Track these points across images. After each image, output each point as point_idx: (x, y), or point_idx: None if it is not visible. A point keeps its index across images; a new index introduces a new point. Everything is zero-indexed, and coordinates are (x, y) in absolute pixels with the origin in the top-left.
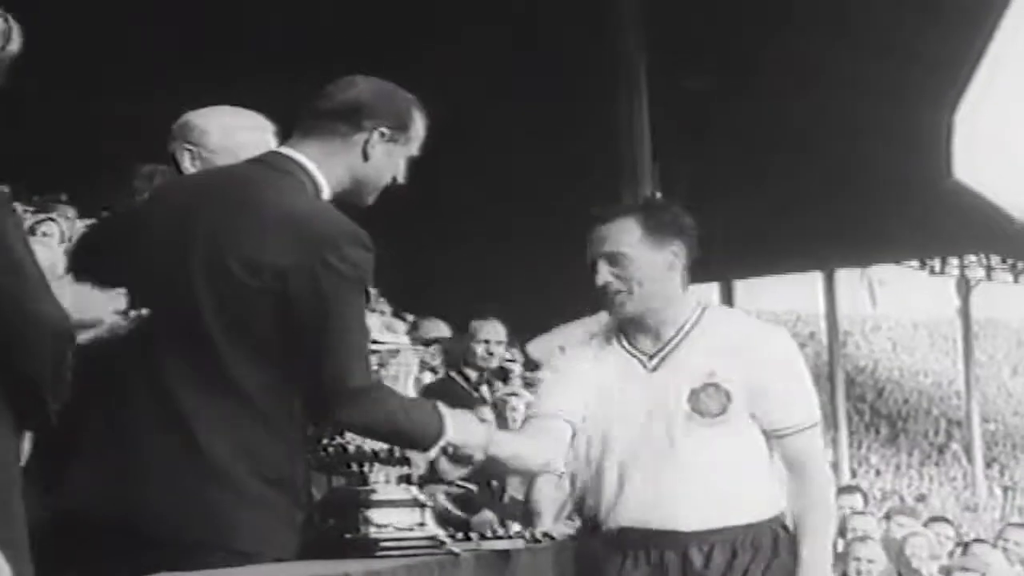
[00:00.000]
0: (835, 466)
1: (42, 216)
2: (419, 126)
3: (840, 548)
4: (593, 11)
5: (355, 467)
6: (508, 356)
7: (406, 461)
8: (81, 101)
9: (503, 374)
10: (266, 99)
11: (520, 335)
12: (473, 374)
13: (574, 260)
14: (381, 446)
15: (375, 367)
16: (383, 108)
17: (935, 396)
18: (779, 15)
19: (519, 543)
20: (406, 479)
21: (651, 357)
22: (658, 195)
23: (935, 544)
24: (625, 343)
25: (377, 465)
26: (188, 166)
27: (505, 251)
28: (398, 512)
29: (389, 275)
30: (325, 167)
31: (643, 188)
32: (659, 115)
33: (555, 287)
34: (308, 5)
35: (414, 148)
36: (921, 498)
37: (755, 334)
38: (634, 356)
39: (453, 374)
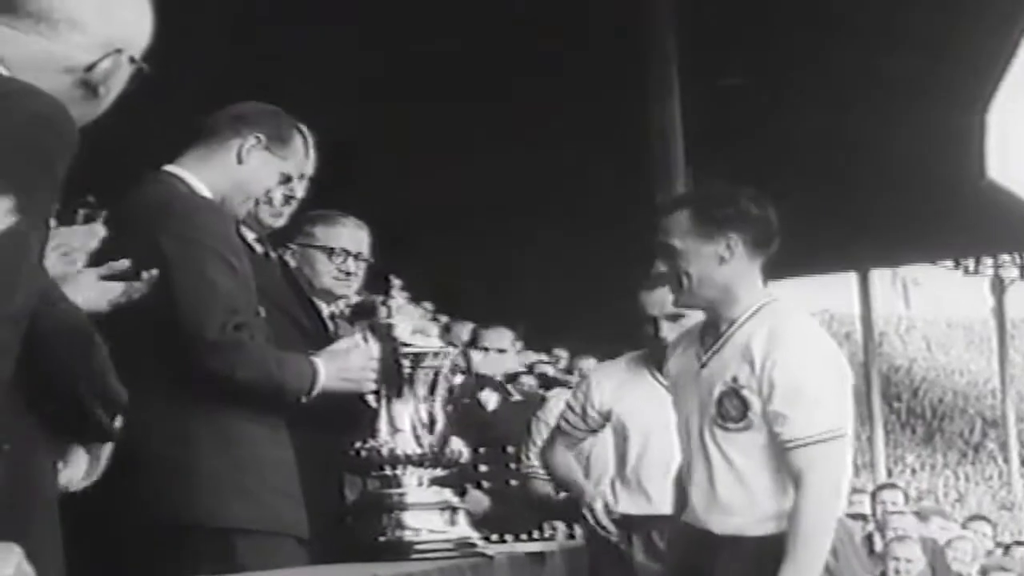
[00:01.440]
0: (871, 465)
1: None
2: (299, 147)
3: (879, 547)
4: (625, 10)
5: (388, 470)
6: (519, 366)
7: (438, 463)
8: None
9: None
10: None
11: (559, 335)
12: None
13: (606, 261)
14: (414, 449)
15: (407, 368)
16: (264, 120)
17: (970, 395)
18: (812, 15)
19: (552, 544)
20: (439, 481)
21: (706, 351)
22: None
23: (979, 547)
24: (697, 335)
25: (410, 468)
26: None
27: (535, 254)
28: (430, 515)
29: (420, 278)
30: (201, 172)
31: (676, 190)
32: (692, 116)
33: (587, 288)
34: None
35: (292, 168)
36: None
37: (780, 339)
38: (694, 350)
39: None
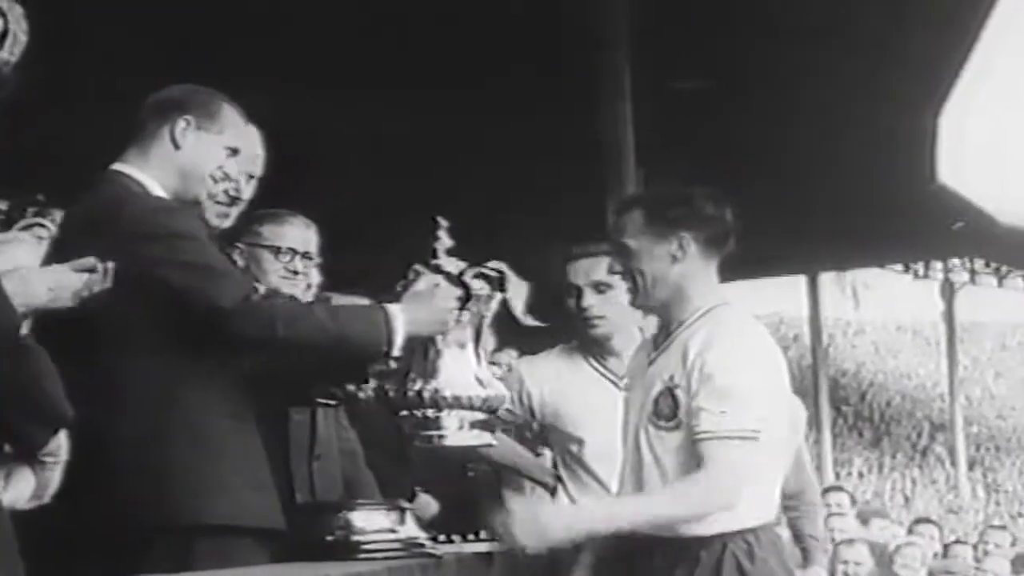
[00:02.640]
0: (818, 469)
1: (33, 220)
2: (231, 118)
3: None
4: (576, 12)
5: (428, 412)
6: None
7: (484, 406)
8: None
9: None
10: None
11: (513, 342)
12: None
13: (556, 262)
14: (466, 391)
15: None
16: (186, 100)
17: (919, 399)
18: (764, 18)
19: (500, 545)
20: (478, 425)
21: (655, 350)
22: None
23: (927, 552)
24: (651, 338)
25: (454, 411)
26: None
27: (493, 254)
28: (378, 515)
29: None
30: (146, 168)
31: (627, 192)
32: (643, 118)
33: (543, 294)
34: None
35: (234, 141)
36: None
37: (714, 339)
38: (646, 351)
39: None
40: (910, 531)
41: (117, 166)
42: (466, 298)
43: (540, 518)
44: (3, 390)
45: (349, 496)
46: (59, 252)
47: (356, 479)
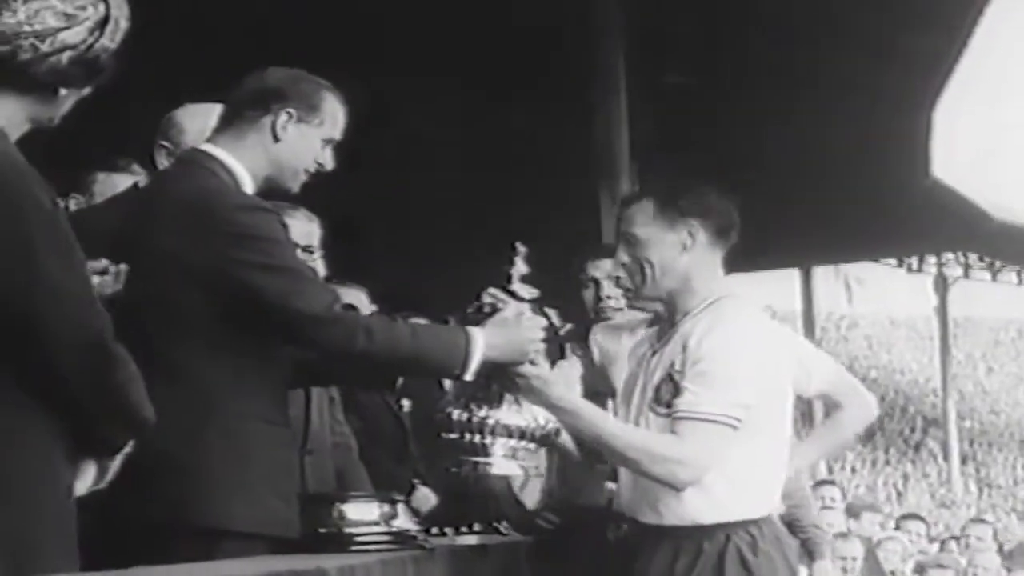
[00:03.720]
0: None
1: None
2: (331, 108)
3: None
4: (571, 8)
5: (476, 438)
6: None
7: (533, 436)
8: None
9: None
10: None
11: None
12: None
13: (550, 257)
14: (518, 421)
15: None
16: (289, 90)
17: (912, 394)
18: (758, 14)
19: (494, 538)
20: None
21: (659, 340)
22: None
23: (909, 547)
24: (655, 330)
25: (502, 439)
26: (162, 163)
27: (480, 249)
28: (371, 507)
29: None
30: (239, 155)
31: (620, 186)
32: (638, 112)
33: (536, 284)
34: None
35: (331, 131)
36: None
37: (715, 327)
38: (650, 341)
39: None
40: (897, 527)
41: (208, 147)
42: (552, 330)
43: (548, 381)
44: (94, 396)
45: (341, 489)
46: (133, 223)
47: (349, 472)
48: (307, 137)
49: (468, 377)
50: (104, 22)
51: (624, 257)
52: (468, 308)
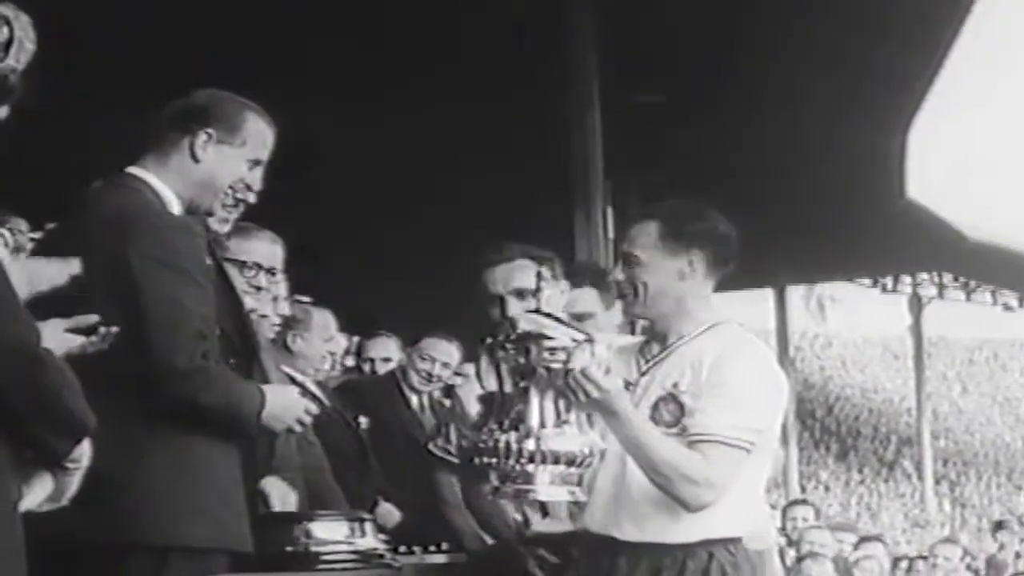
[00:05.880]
0: (784, 482)
1: None
2: (256, 129)
3: (789, 561)
4: (545, 24)
5: (516, 464)
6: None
7: (573, 462)
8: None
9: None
10: None
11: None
12: (413, 398)
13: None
14: (559, 447)
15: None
16: (210, 111)
17: (886, 413)
18: (730, 32)
19: (460, 556)
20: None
21: (647, 361)
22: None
23: (885, 566)
24: (634, 350)
25: (545, 465)
26: None
27: (457, 269)
28: (338, 526)
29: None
30: (162, 176)
31: (594, 204)
32: (610, 131)
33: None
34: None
35: (256, 152)
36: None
37: (732, 351)
38: (638, 360)
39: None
40: (856, 547)
41: (135, 170)
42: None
43: (613, 392)
44: (25, 403)
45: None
46: (62, 246)
47: (323, 494)
48: (228, 158)
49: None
50: (8, 44)
51: (620, 274)
52: (499, 335)
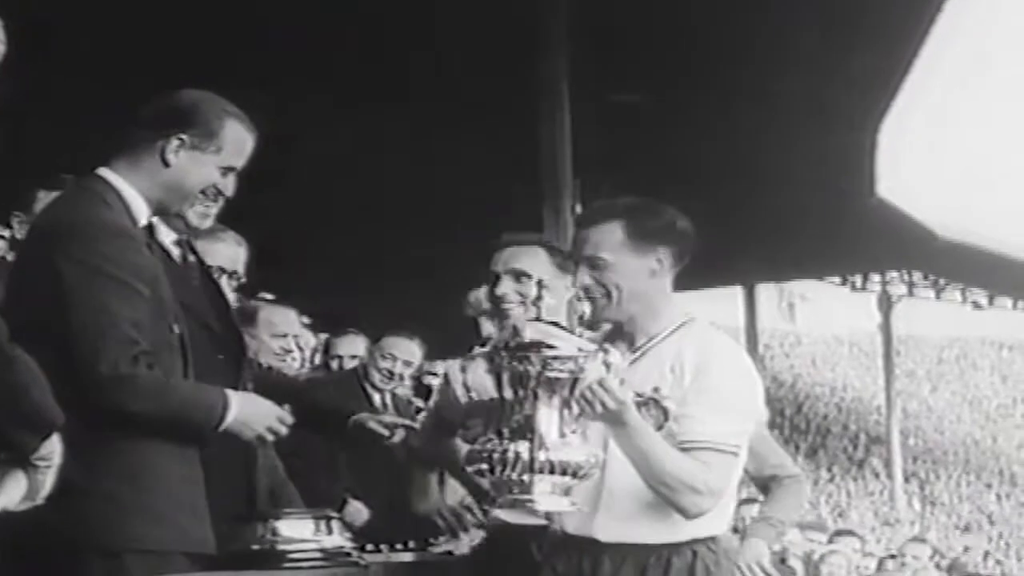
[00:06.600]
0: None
1: None
2: (233, 136)
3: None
4: (516, 24)
5: (515, 474)
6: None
7: (576, 472)
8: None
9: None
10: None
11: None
12: (375, 396)
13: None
14: (564, 457)
15: (559, 372)
16: (187, 115)
17: (855, 411)
18: (704, 34)
19: (427, 555)
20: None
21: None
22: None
23: (852, 560)
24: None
25: (545, 475)
26: None
27: (424, 268)
28: (304, 524)
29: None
30: (131, 178)
31: (563, 202)
32: (581, 130)
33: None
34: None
35: (232, 159)
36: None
37: (713, 352)
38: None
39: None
40: (831, 542)
41: (102, 171)
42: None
43: (626, 402)
44: None
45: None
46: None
47: (276, 489)
48: (199, 163)
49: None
50: None
51: (586, 279)
52: (500, 342)
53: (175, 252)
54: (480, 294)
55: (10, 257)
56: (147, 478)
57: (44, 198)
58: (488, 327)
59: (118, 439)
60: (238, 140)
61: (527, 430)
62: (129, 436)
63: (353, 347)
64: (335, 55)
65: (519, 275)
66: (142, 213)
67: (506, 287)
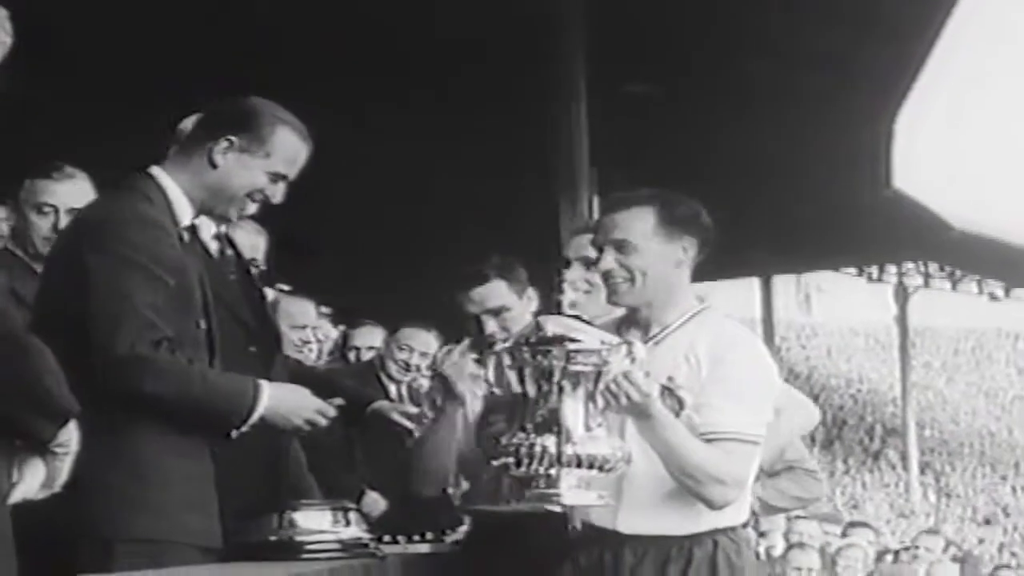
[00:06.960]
0: None
1: None
2: (284, 143)
3: (779, 551)
4: (532, 15)
5: (541, 468)
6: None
7: (603, 466)
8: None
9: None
10: None
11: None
12: (392, 387)
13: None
14: (592, 450)
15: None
16: (239, 119)
17: (871, 403)
18: (719, 25)
19: (443, 545)
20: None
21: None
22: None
23: (870, 555)
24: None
25: (572, 469)
26: None
27: (441, 259)
28: (322, 515)
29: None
30: (179, 177)
31: (580, 193)
32: (598, 120)
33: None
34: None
35: (280, 166)
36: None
37: (729, 343)
38: None
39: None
40: (844, 534)
41: (152, 169)
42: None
43: (653, 396)
44: (7, 387)
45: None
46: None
47: (299, 483)
48: (246, 167)
49: (243, 429)
50: None
51: (611, 262)
52: (522, 338)
53: (213, 246)
54: (483, 291)
55: None
56: (147, 472)
57: (29, 186)
58: (491, 325)
59: (125, 432)
60: (289, 148)
61: (552, 424)
62: (139, 428)
63: (370, 338)
64: (353, 45)
65: (497, 312)
66: (186, 212)
67: (491, 327)
